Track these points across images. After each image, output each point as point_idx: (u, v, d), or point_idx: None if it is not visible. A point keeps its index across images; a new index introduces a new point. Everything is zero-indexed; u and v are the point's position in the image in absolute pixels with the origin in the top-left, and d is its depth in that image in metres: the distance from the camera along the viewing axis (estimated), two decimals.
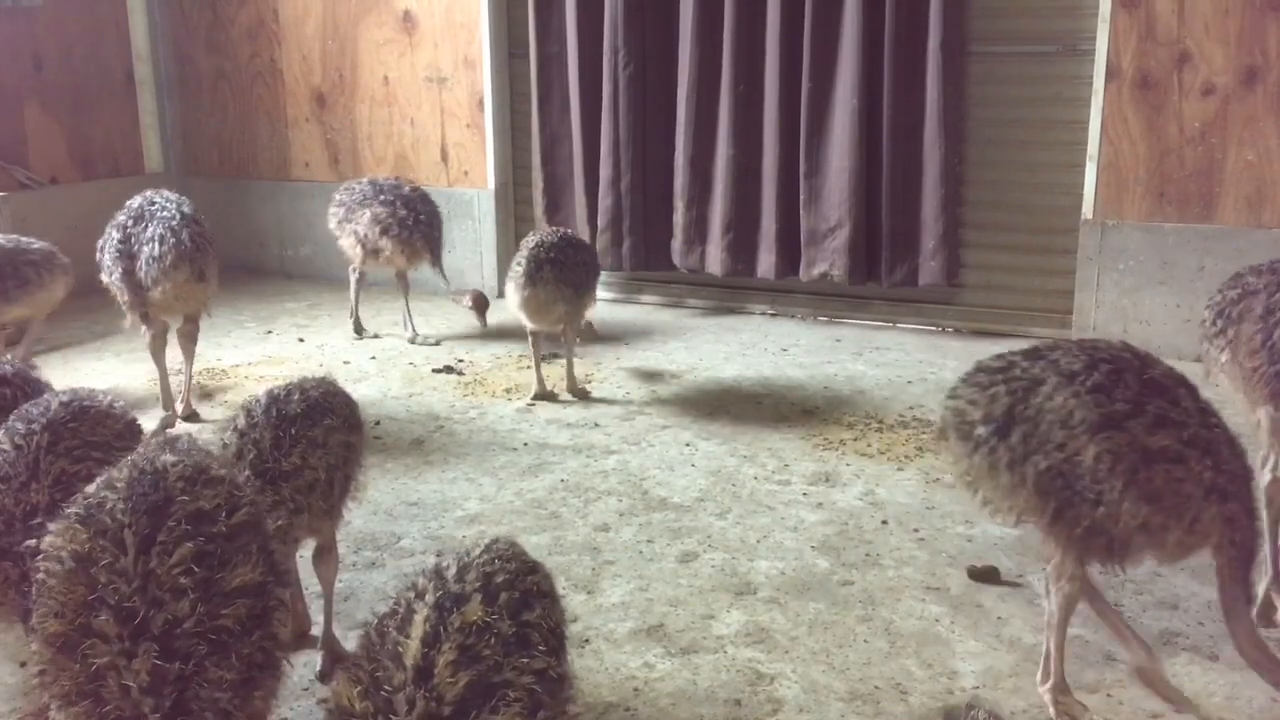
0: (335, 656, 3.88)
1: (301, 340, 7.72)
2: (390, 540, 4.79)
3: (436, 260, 7.48)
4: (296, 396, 3.81)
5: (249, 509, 2.77)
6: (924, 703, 3.61)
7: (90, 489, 2.73)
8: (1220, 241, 6.93)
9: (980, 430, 3.34)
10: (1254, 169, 6.82)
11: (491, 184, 8.90)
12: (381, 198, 7.43)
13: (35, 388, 4.12)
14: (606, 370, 7.09)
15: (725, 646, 3.95)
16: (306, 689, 3.75)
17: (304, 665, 3.87)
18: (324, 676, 3.80)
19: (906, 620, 4.11)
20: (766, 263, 8.06)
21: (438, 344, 7.65)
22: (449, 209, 8.67)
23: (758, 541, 4.75)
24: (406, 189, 7.55)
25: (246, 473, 3.57)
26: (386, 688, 2.26)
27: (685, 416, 6.27)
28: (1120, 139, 7.08)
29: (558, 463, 5.61)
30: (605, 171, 8.35)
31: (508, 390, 6.73)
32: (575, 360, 6.66)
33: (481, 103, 8.83)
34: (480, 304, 7.37)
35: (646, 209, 8.36)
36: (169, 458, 2.78)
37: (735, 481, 5.36)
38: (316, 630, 4.01)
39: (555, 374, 6.71)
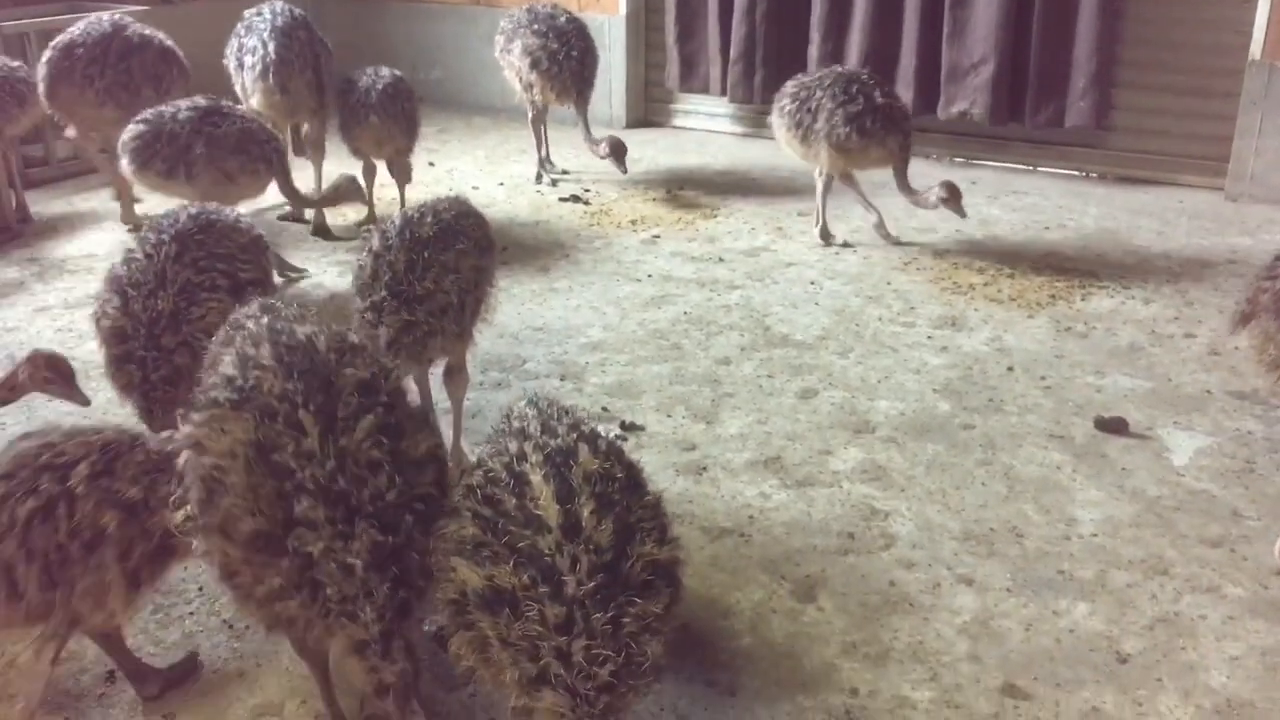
0: (464, 470, 4.03)
1: (431, 164, 7.79)
2: (516, 362, 4.91)
3: (584, 102, 7.09)
4: (430, 219, 3.86)
5: (396, 373, 2.68)
6: (1039, 547, 3.61)
7: (226, 370, 2.55)
8: None
9: None
10: None
11: (623, 9, 8.68)
12: (535, 27, 7.05)
13: None
14: (732, 205, 7.00)
15: (841, 482, 3.99)
16: None
17: None
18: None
19: (1027, 466, 4.08)
20: (903, 99, 7.75)
21: (562, 176, 7.61)
22: None
23: (879, 382, 4.73)
24: (562, 19, 7.09)
25: (383, 293, 3.67)
26: (541, 552, 2.21)
27: (810, 255, 6.18)
28: None
29: (681, 295, 5.63)
30: None
31: (633, 222, 6.72)
32: (701, 198, 6.58)
33: None
34: (619, 151, 6.95)
35: (781, 39, 8.08)
36: (306, 328, 2.64)
37: (859, 322, 5.31)
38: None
39: (665, 212, 6.64)
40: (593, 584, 2.18)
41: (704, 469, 4.07)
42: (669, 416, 4.44)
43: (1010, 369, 4.82)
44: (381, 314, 3.66)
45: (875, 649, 3.17)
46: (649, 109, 8.88)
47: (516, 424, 2.59)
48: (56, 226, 6.58)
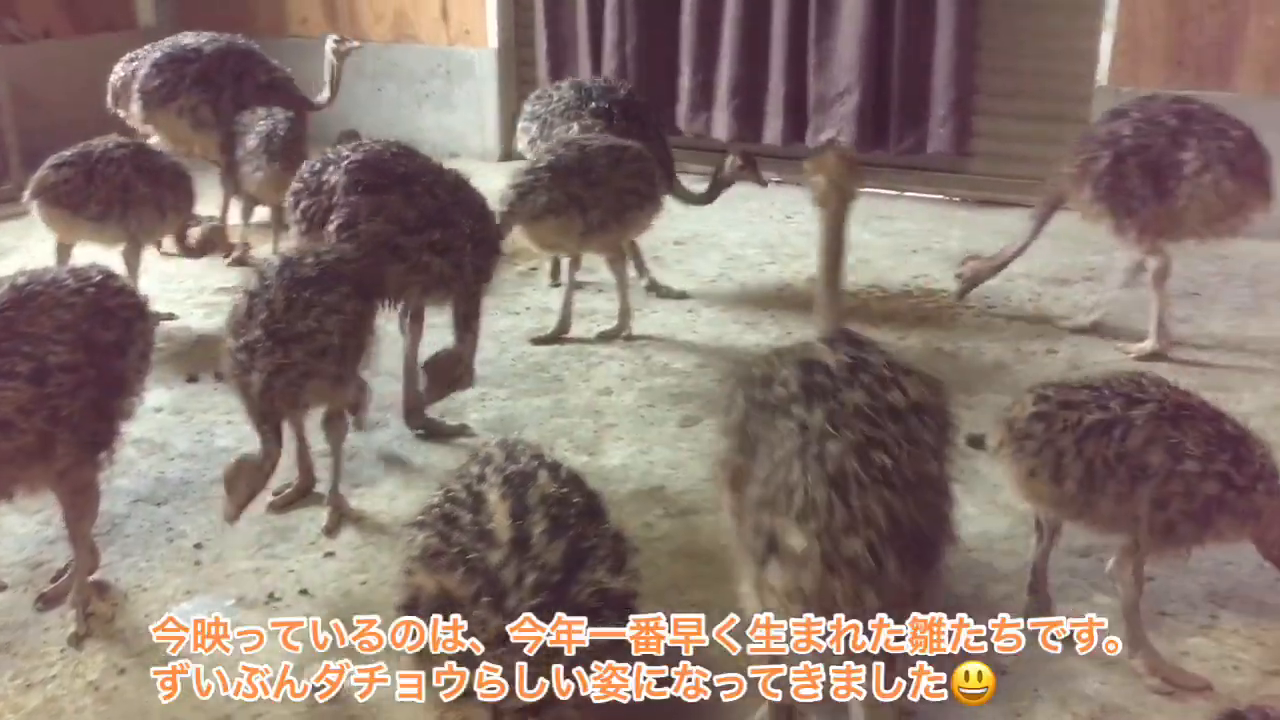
0: (341, 513, 3.95)
1: None
2: (395, 401, 4.81)
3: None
4: (310, 260, 3.78)
5: None
6: None
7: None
8: (1237, 110, 6.70)
9: None
10: (1275, 35, 6.64)
11: (493, 43, 8.68)
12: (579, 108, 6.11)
13: None
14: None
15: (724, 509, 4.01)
16: (313, 543, 3.83)
17: (310, 520, 3.95)
18: (329, 531, 3.88)
19: None
20: (774, 128, 7.92)
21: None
22: (449, 68, 8.52)
23: None
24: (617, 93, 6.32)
25: (258, 332, 3.56)
26: (488, 565, 2.26)
27: (687, 283, 6.24)
28: (1138, 5, 6.87)
29: None
30: (610, 33, 8.13)
31: (510, 255, 6.67)
32: None
33: None
34: (750, 160, 6.05)
35: (652, 72, 8.16)
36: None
37: (737, 347, 5.37)
38: (320, 488, 4.08)
39: None
40: (535, 601, 2.21)
41: None
42: (551, 449, 4.40)
43: None
44: (255, 355, 3.56)
45: None
46: None
47: (482, 454, 2.67)
48: None
